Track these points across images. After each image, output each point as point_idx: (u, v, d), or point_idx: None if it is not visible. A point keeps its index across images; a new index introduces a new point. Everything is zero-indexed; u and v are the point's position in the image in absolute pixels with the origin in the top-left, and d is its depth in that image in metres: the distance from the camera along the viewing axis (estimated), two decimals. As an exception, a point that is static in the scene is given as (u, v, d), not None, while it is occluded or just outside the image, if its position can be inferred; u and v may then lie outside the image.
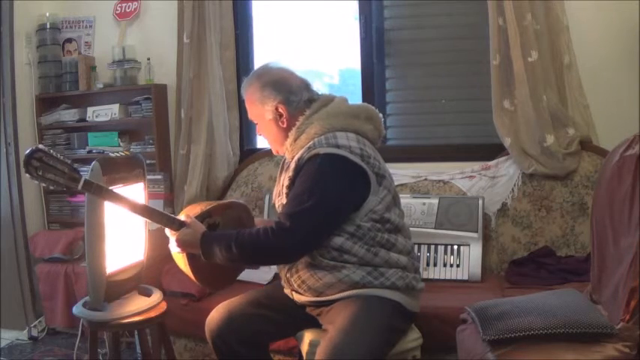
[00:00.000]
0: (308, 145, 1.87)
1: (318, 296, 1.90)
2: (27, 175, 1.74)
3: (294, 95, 1.96)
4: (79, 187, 1.79)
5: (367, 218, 1.85)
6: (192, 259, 1.93)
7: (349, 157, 1.82)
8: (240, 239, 1.83)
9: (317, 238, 1.82)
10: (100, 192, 1.83)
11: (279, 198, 1.98)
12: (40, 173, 1.73)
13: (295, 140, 1.92)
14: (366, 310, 1.80)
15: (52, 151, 1.78)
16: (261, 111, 1.97)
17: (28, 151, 1.73)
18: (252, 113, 2.02)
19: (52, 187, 1.80)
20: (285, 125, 1.96)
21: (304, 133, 1.90)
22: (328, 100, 1.99)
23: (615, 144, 1.94)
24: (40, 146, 1.78)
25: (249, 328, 1.97)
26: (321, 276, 1.86)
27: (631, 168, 1.74)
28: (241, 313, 1.99)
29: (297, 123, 1.92)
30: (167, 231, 1.94)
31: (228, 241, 1.83)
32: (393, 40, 3.20)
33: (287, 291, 2.01)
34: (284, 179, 1.94)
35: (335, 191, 1.81)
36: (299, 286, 1.92)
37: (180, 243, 1.90)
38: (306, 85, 2.00)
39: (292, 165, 1.88)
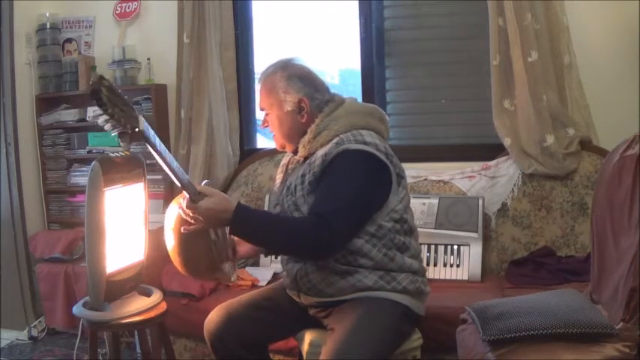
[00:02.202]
0: (335, 141, 1.84)
1: (328, 297, 1.89)
2: (97, 106, 1.46)
3: (318, 93, 1.95)
4: (141, 126, 1.56)
5: (388, 218, 1.85)
6: (185, 241, 1.79)
7: (377, 155, 1.81)
8: (281, 222, 1.79)
9: (352, 234, 1.80)
10: (150, 140, 1.62)
11: (289, 198, 1.92)
12: (110, 102, 1.47)
13: (315, 137, 1.89)
14: (375, 312, 1.79)
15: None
16: (281, 100, 1.92)
17: (95, 79, 1.46)
18: (268, 102, 1.95)
19: (109, 124, 1.50)
20: (304, 120, 1.92)
21: (325, 130, 1.88)
22: (341, 100, 1.98)
23: (615, 144, 1.94)
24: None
25: (249, 330, 1.96)
26: (333, 281, 1.85)
27: (631, 168, 1.74)
28: (240, 316, 1.97)
29: (317, 120, 1.90)
30: (181, 203, 1.74)
31: (267, 220, 1.79)
32: (393, 40, 3.20)
33: (292, 293, 1.99)
34: (302, 176, 1.89)
35: (367, 187, 1.80)
36: (308, 289, 1.90)
37: (206, 212, 1.69)
38: (327, 88, 1.99)
39: (317, 161, 1.83)
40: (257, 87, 2.00)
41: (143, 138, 1.59)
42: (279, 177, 2.09)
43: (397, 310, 1.84)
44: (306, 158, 1.93)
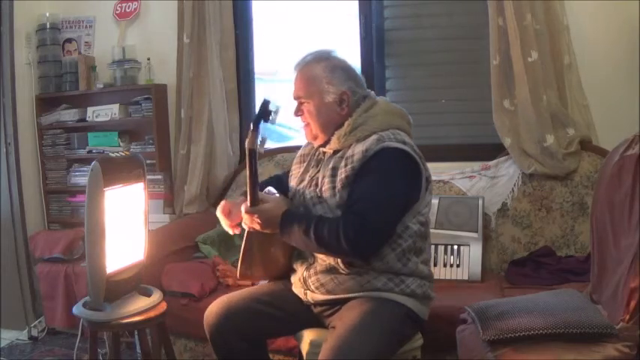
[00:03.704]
0: (375, 137, 1.83)
1: (335, 294, 1.89)
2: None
3: (359, 87, 1.96)
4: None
5: (415, 220, 1.87)
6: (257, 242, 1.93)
7: (414, 156, 1.83)
8: (321, 225, 1.79)
9: (391, 233, 1.81)
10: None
11: (312, 189, 1.92)
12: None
13: (351, 131, 1.88)
14: (380, 312, 1.79)
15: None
16: (324, 91, 1.90)
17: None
18: (309, 91, 1.92)
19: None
20: (344, 113, 1.91)
21: (363, 125, 1.88)
22: (375, 98, 1.99)
23: (615, 144, 1.94)
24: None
25: (248, 322, 1.95)
26: (342, 281, 1.86)
27: (631, 168, 1.74)
28: (240, 307, 1.96)
29: (354, 115, 1.90)
30: (243, 207, 1.87)
31: (308, 223, 1.80)
32: (393, 40, 3.19)
33: (299, 290, 1.98)
34: (333, 169, 1.88)
35: (405, 187, 1.82)
36: (317, 288, 1.90)
37: (261, 214, 1.84)
38: (364, 83, 2.00)
39: (356, 156, 1.82)
40: (295, 76, 1.97)
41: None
42: (297, 167, 2.08)
43: (401, 311, 1.84)
44: (335, 151, 1.92)
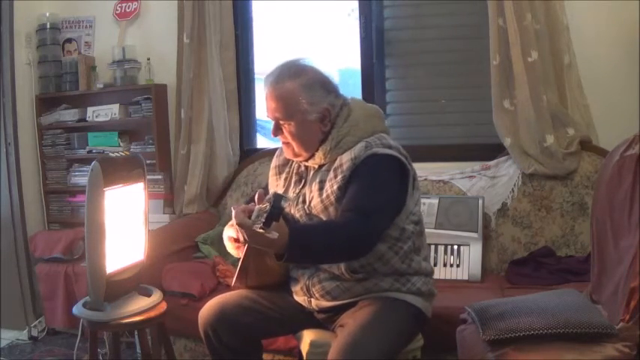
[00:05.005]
0: (362, 144, 1.81)
1: (342, 300, 1.88)
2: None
3: (337, 98, 1.89)
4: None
5: (409, 221, 1.87)
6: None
7: (402, 160, 1.83)
8: (326, 229, 1.75)
9: (386, 228, 1.80)
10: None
11: (300, 206, 1.89)
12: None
13: (337, 144, 1.84)
14: (389, 312, 1.80)
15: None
16: (305, 111, 1.82)
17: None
18: (288, 112, 1.82)
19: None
20: (327, 129, 1.86)
21: (348, 136, 1.84)
22: (349, 103, 1.94)
23: (615, 144, 1.94)
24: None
25: (241, 319, 1.92)
26: (348, 287, 1.86)
27: (631, 168, 1.74)
28: (234, 304, 1.94)
29: (336, 127, 1.86)
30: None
31: (315, 233, 1.72)
32: (393, 40, 3.20)
33: (302, 298, 1.96)
34: (320, 182, 1.85)
35: (396, 190, 1.81)
36: (322, 295, 1.89)
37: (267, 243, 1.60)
38: (338, 89, 1.93)
39: (345, 165, 1.80)
40: (268, 94, 1.86)
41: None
42: (274, 179, 2.04)
43: (409, 311, 1.86)
44: (320, 165, 1.89)
